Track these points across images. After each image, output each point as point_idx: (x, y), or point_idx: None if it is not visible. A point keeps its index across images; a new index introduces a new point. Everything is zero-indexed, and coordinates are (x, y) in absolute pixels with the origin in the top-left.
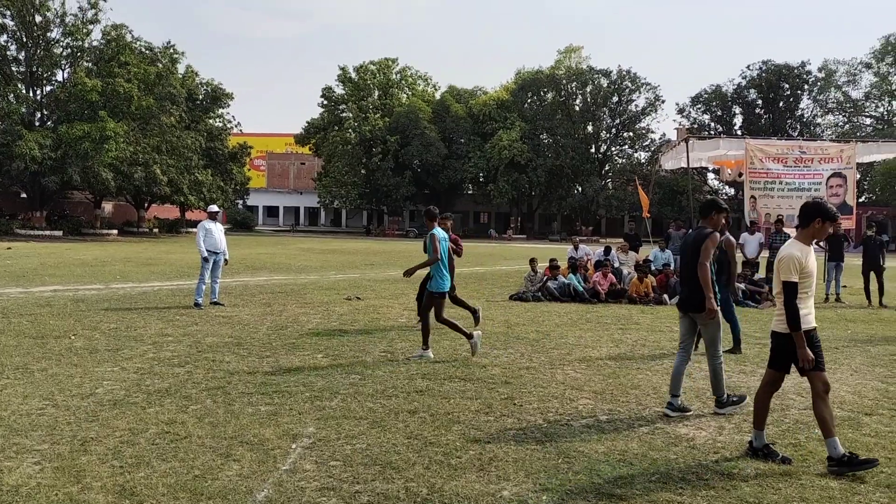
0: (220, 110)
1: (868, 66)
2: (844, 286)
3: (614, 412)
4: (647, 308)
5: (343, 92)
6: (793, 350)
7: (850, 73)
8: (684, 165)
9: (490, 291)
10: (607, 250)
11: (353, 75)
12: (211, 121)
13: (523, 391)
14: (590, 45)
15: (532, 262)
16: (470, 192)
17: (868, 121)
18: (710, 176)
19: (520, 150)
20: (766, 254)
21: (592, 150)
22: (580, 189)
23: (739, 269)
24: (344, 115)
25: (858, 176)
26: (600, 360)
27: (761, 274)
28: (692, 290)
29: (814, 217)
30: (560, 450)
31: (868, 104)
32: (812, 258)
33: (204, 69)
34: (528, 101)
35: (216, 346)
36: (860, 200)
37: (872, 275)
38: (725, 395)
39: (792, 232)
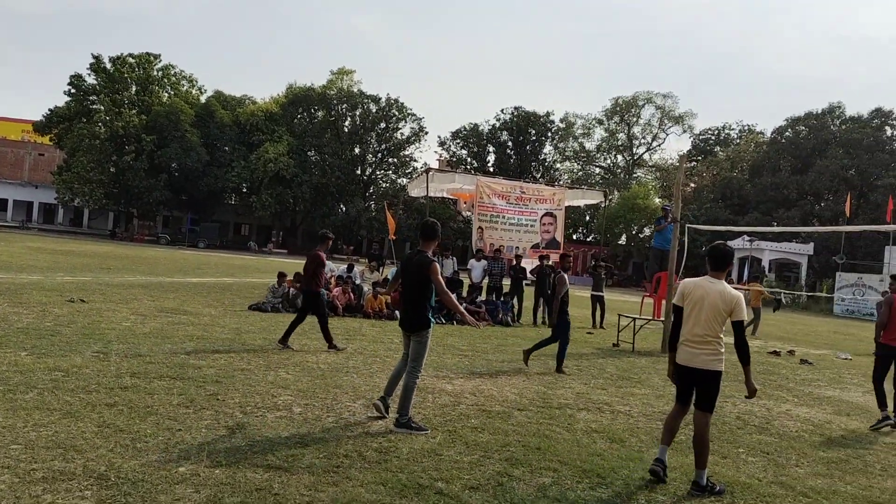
0: None
1: (600, 122)
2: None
3: (309, 406)
4: (378, 322)
5: (95, 82)
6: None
7: (586, 126)
8: (429, 194)
9: (231, 301)
10: (350, 267)
11: (109, 66)
12: None
13: (230, 389)
14: (361, 69)
15: (280, 275)
16: (231, 202)
17: (597, 170)
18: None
19: (286, 165)
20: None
21: (358, 172)
22: (344, 209)
23: (465, 293)
24: (94, 107)
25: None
26: (314, 365)
27: (482, 297)
28: (411, 312)
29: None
30: (246, 435)
31: (598, 155)
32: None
33: None
34: (298, 116)
35: None
36: (588, 240)
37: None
38: (408, 417)
39: (530, 263)
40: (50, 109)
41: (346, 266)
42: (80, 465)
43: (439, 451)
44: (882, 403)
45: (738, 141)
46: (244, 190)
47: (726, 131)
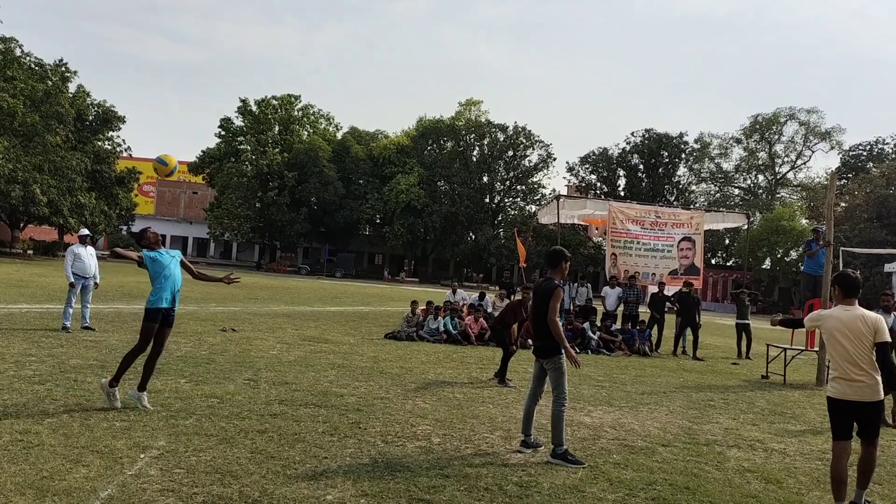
0: (111, 133)
1: (738, 141)
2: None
3: (448, 436)
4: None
5: (242, 124)
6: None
7: (723, 146)
8: (560, 221)
9: (368, 329)
10: (481, 296)
11: (254, 108)
12: (100, 143)
13: (371, 417)
14: (488, 98)
15: (413, 304)
16: (366, 232)
17: (736, 191)
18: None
19: (417, 195)
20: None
21: (487, 200)
22: (473, 237)
23: (599, 321)
24: (241, 147)
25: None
26: (451, 394)
27: (618, 325)
28: (542, 338)
29: None
30: (388, 464)
31: (737, 176)
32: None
33: (97, 89)
34: (428, 147)
35: (80, 368)
36: (728, 264)
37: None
38: (564, 448)
39: (653, 288)
40: (203, 151)
41: (477, 294)
42: (237, 490)
43: (582, 487)
44: None
45: (893, 156)
46: (377, 221)
47: (880, 146)
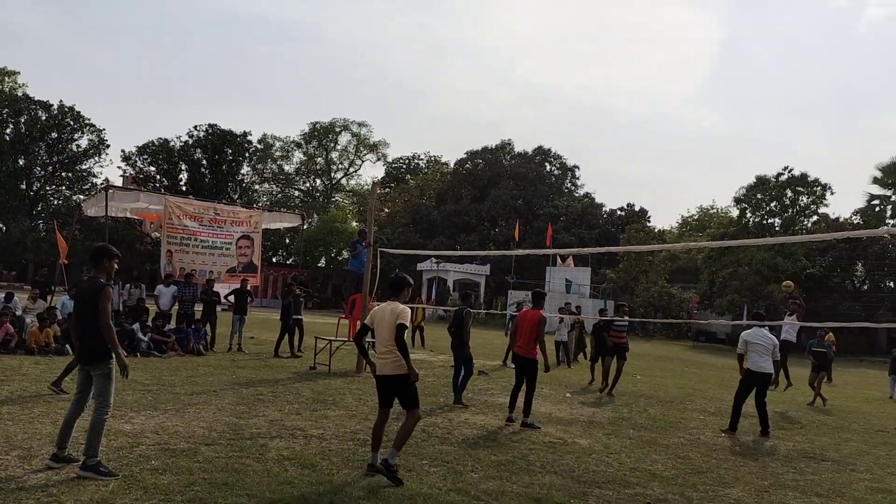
0: None
1: (299, 145)
2: (252, 336)
3: None
4: (43, 359)
5: None
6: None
7: (285, 149)
8: (109, 214)
9: None
10: (8, 296)
11: None
12: None
13: None
14: (28, 71)
15: None
16: None
17: (297, 193)
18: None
19: None
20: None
21: (24, 187)
22: (4, 228)
23: (150, 321)
24: None
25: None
26: None
27: (172, 324)
28: (88, 343)
29: None
30: None
31: (297, 178)
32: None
33: None
34: None
35: None
36: (288, 262)
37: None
38: (97, 459)
39: (223, 288)
40: None
41: (3, 295)
42: None
43: (111, 500)
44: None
45: (426, 170)
46: None
47: (416, 161)
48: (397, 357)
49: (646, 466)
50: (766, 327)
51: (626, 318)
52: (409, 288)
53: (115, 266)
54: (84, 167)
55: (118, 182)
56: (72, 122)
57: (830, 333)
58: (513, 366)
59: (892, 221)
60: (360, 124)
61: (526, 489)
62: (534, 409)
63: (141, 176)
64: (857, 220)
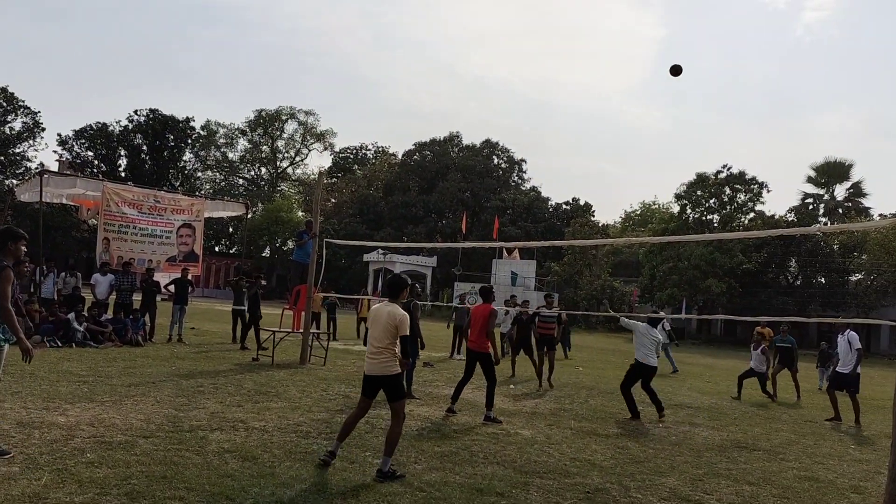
0: None
1: (243, 132)
2: (193, 327)
3: None
4: None
5: None
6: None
7: (229, 136)
8: (43, 199)
9: None
10: None
11: None
12: None
13: None
14: None
15: None
16: None
17: (241, 181)
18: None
19: None
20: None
21: None
22: None
23: (86, 311)
24: None
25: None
26: None
27: (109, 314)
28: None
29: None
30: None
31: (242, 166)
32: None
33: None
34: None
35: None
36: (231, 252)
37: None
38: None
39: (163, 277)
40: None
41: None
42: None
43: (44, 494)
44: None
45: (374, 161)
46: None
47: (363, 151)
48: (387, 358)
49: (586, 456)
50: (659, 326)
51: (556, 308)
52: (408, 288)
53: (23, 248)
54: (17, 151)
55: (54, 167)
56: (4, 104)
57: (775, 329)
58: (460, 357)
59: (824, 219)
60: (308, 113)
61: (468, 480)
62: (475, 400)
63: (78, 161)
64: (791, 217)
